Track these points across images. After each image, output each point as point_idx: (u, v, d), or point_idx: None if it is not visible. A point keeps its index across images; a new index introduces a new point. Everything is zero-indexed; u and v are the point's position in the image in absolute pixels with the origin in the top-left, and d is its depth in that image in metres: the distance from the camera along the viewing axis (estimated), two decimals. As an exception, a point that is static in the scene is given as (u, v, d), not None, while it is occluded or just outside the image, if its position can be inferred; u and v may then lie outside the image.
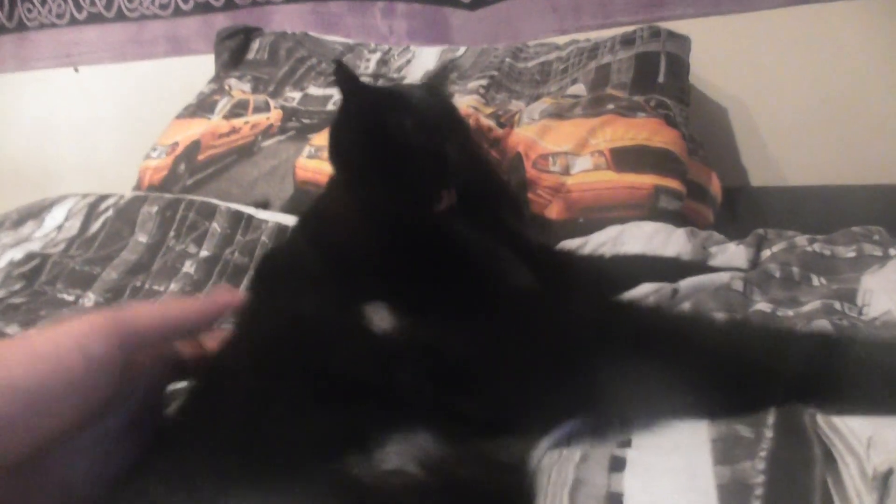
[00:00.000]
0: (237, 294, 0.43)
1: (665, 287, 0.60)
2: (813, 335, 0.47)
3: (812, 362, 0.40)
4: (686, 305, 0.57)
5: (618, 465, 0.37)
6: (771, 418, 0.38)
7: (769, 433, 0.37)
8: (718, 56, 1.17)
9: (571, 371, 0.42)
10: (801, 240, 0.69)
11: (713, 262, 0.70)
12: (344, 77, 0.62)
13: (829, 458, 0.35)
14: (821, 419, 0.37)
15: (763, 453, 0.35)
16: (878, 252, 0.62)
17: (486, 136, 0.96)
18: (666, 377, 0.40)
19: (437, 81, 0.74)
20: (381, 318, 0.45)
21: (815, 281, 0.61)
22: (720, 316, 0.55)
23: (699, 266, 0.69)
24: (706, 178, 0.97)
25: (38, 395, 0.29)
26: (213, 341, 0.43)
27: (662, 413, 0.41)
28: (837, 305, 0.54)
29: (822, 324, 0.50)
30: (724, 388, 0.40)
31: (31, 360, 0.29)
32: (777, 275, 0.61)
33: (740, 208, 1.06)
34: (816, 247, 0.65)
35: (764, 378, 0.40)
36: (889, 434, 0.34)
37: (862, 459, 0.33)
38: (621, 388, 0.41)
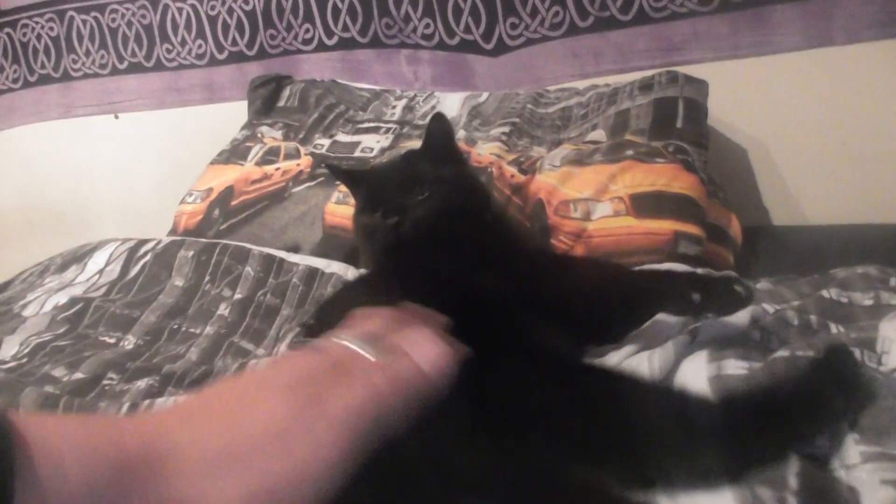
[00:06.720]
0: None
1: (684, 335, 0.61)
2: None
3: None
4: (703, 353, 0.58)
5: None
6: (793, 481, 0.40)
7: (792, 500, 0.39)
8: (738, 98, 1.19)
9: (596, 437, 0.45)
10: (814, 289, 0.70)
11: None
12: None
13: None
14: None
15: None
16: (895, 301, 0.63)
17: (509, 183, 0.98)
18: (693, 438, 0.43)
19: None
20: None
21: (834, 329, 0.62)
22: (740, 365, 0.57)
23: (715, 279, 0.71)
24: (726, 220, 0.98)
25: None
26: None
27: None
28: (858, 354, 0.55)
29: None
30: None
31: None
32: (795, 322, 0.62)
33: (762, 248, 1.07)
34: (834, 293, 0.66)
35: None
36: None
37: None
38: (650, 456, 0.44)
